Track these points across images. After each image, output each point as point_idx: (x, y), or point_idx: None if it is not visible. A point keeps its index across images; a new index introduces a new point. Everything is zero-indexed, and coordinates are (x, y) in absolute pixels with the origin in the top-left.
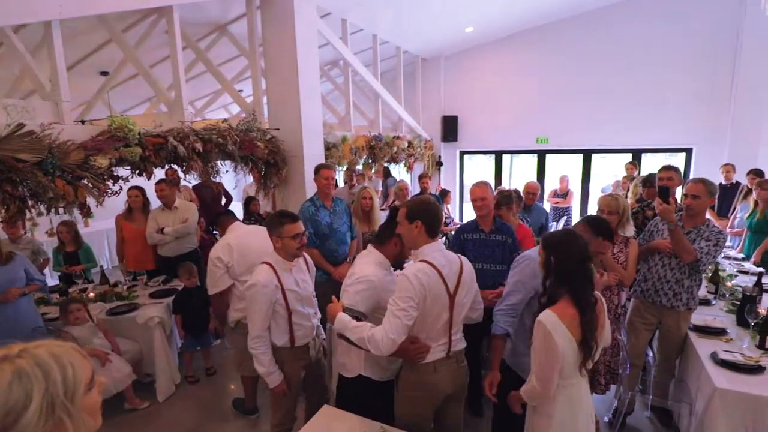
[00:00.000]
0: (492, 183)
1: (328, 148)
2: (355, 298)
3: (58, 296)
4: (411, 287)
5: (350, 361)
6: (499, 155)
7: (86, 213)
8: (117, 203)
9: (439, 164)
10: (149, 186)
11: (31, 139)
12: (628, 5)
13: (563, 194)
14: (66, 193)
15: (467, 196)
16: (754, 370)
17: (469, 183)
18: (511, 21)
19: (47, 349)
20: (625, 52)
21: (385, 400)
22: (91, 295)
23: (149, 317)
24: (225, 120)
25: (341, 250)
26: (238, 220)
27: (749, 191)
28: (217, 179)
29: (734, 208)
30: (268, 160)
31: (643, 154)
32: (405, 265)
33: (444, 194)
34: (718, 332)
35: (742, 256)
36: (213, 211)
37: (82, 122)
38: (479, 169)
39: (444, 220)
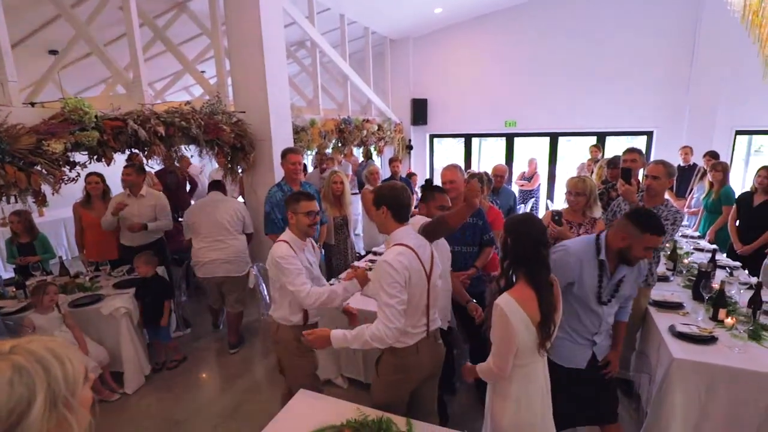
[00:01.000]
0: (462, 167)
1: (297, 131)
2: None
3: (14, 289)
4: (395, 272)
5: None
6: (468, 139)
7: (41, 201)
8: (74, 191)
9: (410, 148)
10: (108, 172)
11: None
12: None
13: (529, 177)
14: (18, 180)
15: (437, 180)
16: (708, 340)
17: (439, 167)
18: (480, 2)
19: (42, 344)
20: (590, 37)
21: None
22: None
23: (115, 308)
24: (188, 102)
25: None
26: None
27: (705, 173)
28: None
29: (691, 189)
30: (235, 144)
31: (607, 137)
32: (376, 249)
33: (410, 177)
34: (675, 306)
35: (698, 234)
36: (177, 198)
37: (32, 104)
38: (448, 153)
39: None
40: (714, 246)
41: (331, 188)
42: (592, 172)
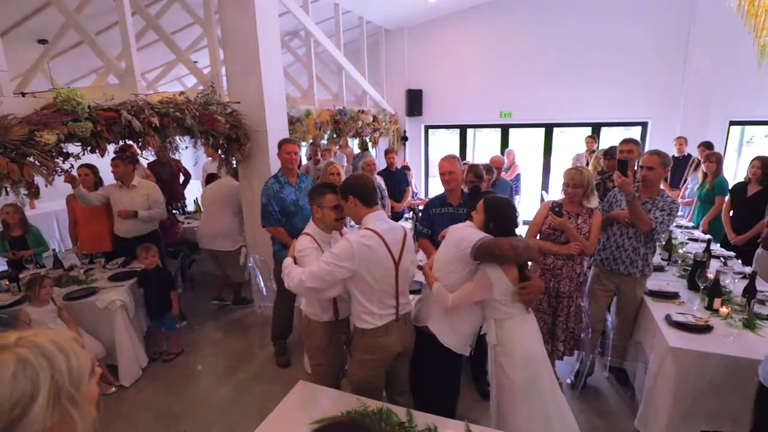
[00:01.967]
0: (459, 157)
1: (292, 122)
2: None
3: (7, 282)
4: (349, 250)
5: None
6: (463, 130)
7: (35, 193)
8: (65, 183)
9: (405, 139)
10: (103, 163)
11: None
12: None
13: (507, 168)
14: (11, 171)
15: (432, 171)
16: (704, 329)
17: (434, 158)
18: None
19: (47, 337)
20: (586, 28)
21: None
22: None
23: (110, 301)
24: (182, 93)
25: None
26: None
27: (699, 163)
28: (177, 156)
29: (685, 179)
30: (230, 135)
31: (601, 128)
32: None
33: (405, 169)
34: (671, 296)
35: (692, 224)
36: (171, 189)
37: (22, 94)
38: (443, 144)
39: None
40: (708, 236)
41: (327, 180)
42: (588, 163)
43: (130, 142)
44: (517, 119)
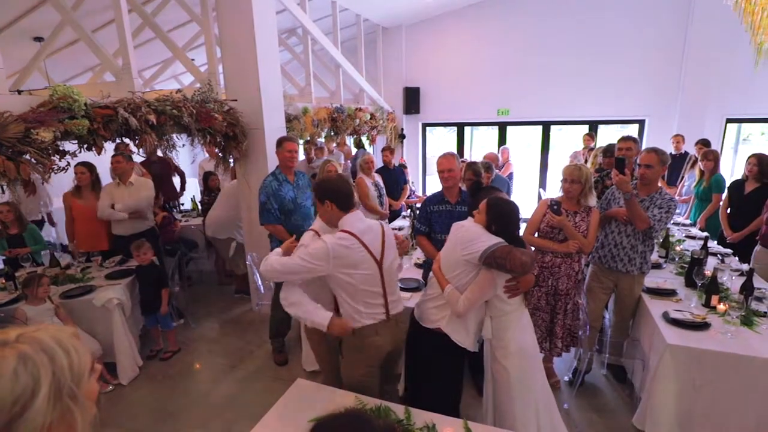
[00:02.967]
0: (457, 155)
1: (289, 120)
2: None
3: (3, 281)
4: (323, 250)
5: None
6: (461, 128)
7: (31, 191)
8: (62, 181)
9: (402, 137)
10: (98, 161)
11: None
12: None
13: (501, 166)
14: (7, 169)
15: (429, 169)
16: (702, 326)
17: (431, 156)
18: None
19: (48, 333)
20: (584, 26)
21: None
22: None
23: (107, 299)
24: (179, 90)
25: (307, 225)
26: None
27: (696, 161)
28: (174, 153)
29: (682, 177)
30: (227, 132)
31: (599, 126)
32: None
33: (402, 167)
34: (668, 293)
35: (689, 222)
36: (164, 187)
37: (19, 92)
38: (441, 142)
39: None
40: (706, 233)
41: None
42: (586, 161)
43: (127, 140)
44: (514, 117)
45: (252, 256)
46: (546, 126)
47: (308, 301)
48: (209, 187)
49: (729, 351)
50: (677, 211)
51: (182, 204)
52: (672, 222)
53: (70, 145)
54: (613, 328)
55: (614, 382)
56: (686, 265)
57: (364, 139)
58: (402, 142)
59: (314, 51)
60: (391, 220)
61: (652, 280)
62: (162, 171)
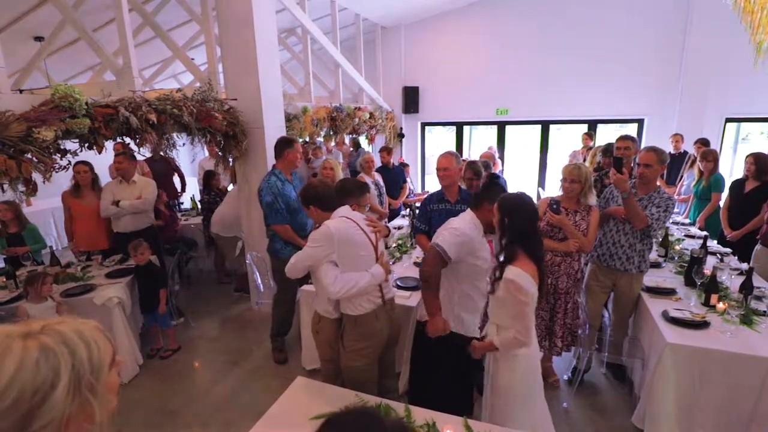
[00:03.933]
0: (458, 154)
1: (289, 119)
2: (449, 240)
3: (4, 279)
4: (327, 232)
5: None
6: (460, 127)
7: (33, 190)
8: (61, 180)
9: (401, 136)
10: (98, 160)
11: None
12: None
13: None
14: (9, 168)
15: (428, 168)
16: (701, 325)
17: (430, 155)
18: None
19: (71, 326)
20: (582, 25)
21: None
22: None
23: (107, 298)
24: (179, 89)
25: (309, 222)
26: None
27: (695, 160)
28: (174, 153)
29: (681, 176)
30: (227, 132)
31: (598, 125)
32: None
33: (403, 166)
34: (668, 292)
35: (688, 221)
36: (166, 186)
37: (20, 91)
38: (440, 141)
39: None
40: (705, 233)
41: (321, 175)
42: (585, 160)
43: (128, 139)
44: (513, 116)
45: (252, 255)
46: (545, 125)
47: (353, 275)
48: (210, 186)
49: (728, 350)
50: (676, 210)
51: (182, 203)
52: (671, 221)
53: (70, 144)
54: (613, 327)
55: (613, 381)
56: (686, 264)
57: (362, 138)
58: (401, 141)
59: (313, 50)
60: (390, 219)
61: (651, 278)
62: (164, 170)
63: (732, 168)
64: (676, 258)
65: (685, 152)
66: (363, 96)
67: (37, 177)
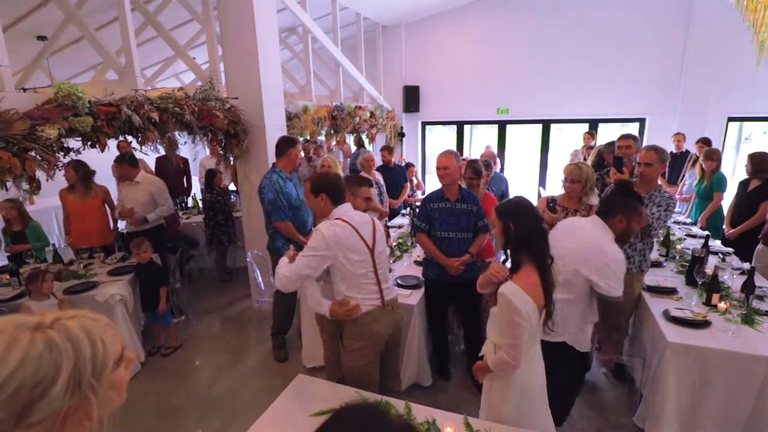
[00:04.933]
0: (458, 153)
1: (290, 118)
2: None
3: (8, 276)
4: (321, 239)
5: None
6: (460, 126)
7: (36, 188)
8: (64, 179)
9: (401, 135)
10: (100, 159)
11: None
12: None
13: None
14: (13, 165)
15: (429, 167)
16: (702, 324)
17: (430, 154)
18: None
19: (80, 322)
20: (584, 25)
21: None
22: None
23: (110, 295)
24: (181, 88)
25: (310, 220)
26: None
27: (697, 159)
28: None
29: (683, 176)
30: (228, 130)
31: (599, 124)
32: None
33: (407, 167)
34: (669, 292)
35: (690, 221)
36: (176, 185)
37: (24, 90)
38: (440, 141)
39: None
40: (707, 232)
41: (319, 171)
42: (585, 159)
43: (131, 138)
44: (514, 115)
45: (252, 253)
46: (546, 125)
47: (317, 294)
48: (211, 184)
49: (730, 349)
50: (677, 209)
51: (186, 202)
52: (673, 221)
53: (73, 143)
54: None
55: (614, 380)
56: (687, 264)
57: (363, 137)
58: (401, 140)
59: (314, 49)
60: (390, 218)
61: (652, 278)
62: (176, 169)
63: (734, 167)
64: (677, 257)
65: (687, 151)
66: (364, 95)
67: (40, 175)
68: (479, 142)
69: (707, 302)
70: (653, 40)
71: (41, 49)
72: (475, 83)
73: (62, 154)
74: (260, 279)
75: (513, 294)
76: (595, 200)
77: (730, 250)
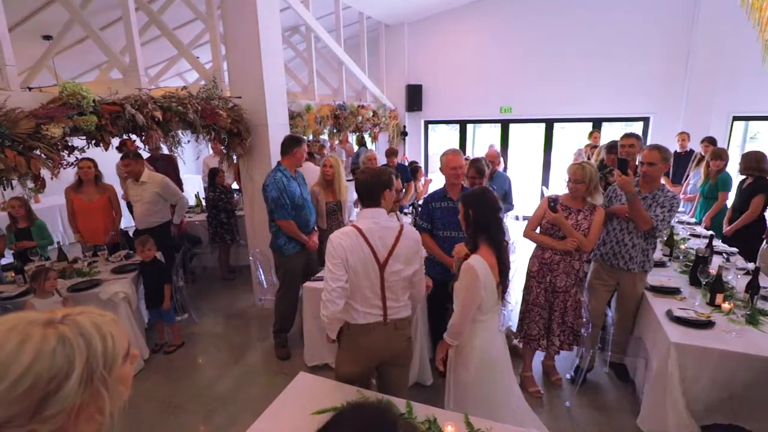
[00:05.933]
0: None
1: (293, 117)
2: None
3: (13, 274)
4: (332, 249)
5: None
6: (463, 125)
7: (41, 186)
8: (68, 177)
9: (404, 134)
10: (103, 158)
11: None
12: None
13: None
14: (18, 164)
15: (432, 166)
16: (705, 324)
17: (433, 153)
18: None
19: (89, 318)
20: (587, 23)
21: None
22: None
23: (114, 292)
24: (184, 87)
25: (312, 219)
26: None
27: (702, 158)
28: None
29: (687, 175)
30: (231, 129)
31: (603, 123)
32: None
33: (415, 170)
34: (672, 291)
35: (694, 220)
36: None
37: (29, 89)
38: (443, 140)
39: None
40: (711, 232)
41: (321, 172)
42: (589, 157)
43: (134, 136)
44: (517, 114)
45: (254, 252)
46: (549, 124)
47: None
48: (214, 183)
49: (733, 349)
50: (681, 209)
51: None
52: (677, 220)
53: (78, 141)
54: (616, 325)
55: (616, 380)
56: (690, 264)
57: (366, 136)
58: (404, 139)
59: (317, 48)
60: None
61: (655, 278)
62: (167, 167)
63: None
64: (681, 257)
65: (692, 151)
66: (366, 94)
67: (45, 173)
68: (482, 141)
69: (711, 302)
70: (658, 39)
71: (46, 48)
72: (478, 82)
73: (67, 152)
74: (263, 277)
75: (477, 264)
76: (599, 200)
77: (734, 250)
